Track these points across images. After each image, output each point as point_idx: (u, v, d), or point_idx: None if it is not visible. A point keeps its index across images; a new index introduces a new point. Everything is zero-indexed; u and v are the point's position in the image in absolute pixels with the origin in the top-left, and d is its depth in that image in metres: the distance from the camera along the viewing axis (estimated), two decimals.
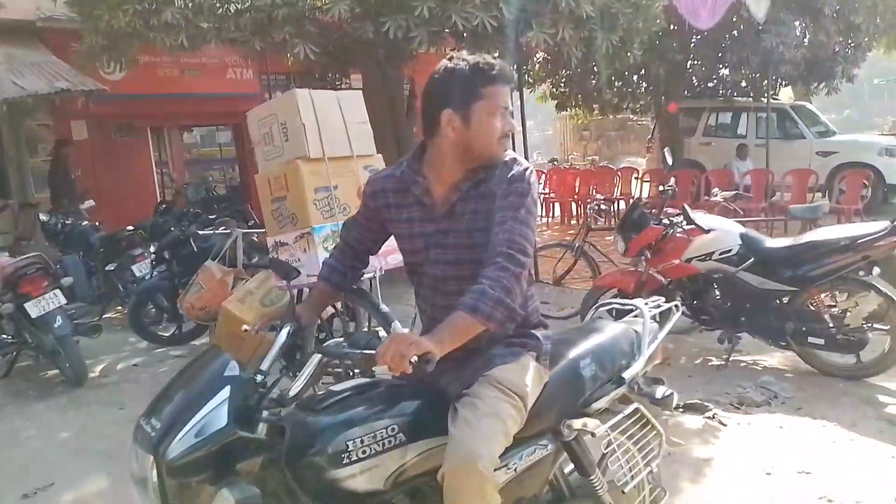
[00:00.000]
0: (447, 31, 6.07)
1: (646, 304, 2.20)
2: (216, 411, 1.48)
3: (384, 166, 3.32)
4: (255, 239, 4.86)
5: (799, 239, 4.23)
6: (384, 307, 3.14)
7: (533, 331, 1.81)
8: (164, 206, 9.38)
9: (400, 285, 6.41)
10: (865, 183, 9.30)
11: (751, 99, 12.58)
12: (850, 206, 8.44)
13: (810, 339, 4.11)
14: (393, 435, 1.57)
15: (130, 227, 6.35)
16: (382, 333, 1.75)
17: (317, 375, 1.63)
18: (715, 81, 12.71)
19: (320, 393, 1.73)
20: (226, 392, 1.51)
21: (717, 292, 4.44)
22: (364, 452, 1.53)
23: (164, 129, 11.05)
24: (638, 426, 1.94)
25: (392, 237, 1.92)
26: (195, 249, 4.90)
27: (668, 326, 2.19)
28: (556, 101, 14.04)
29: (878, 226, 3.94)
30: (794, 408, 3.66)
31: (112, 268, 6.10)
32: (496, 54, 6.61)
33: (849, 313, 4.01)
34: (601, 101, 13.55)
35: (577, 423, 1.77)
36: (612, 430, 1.83)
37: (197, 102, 10.05)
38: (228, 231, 4.26)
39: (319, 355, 1.62)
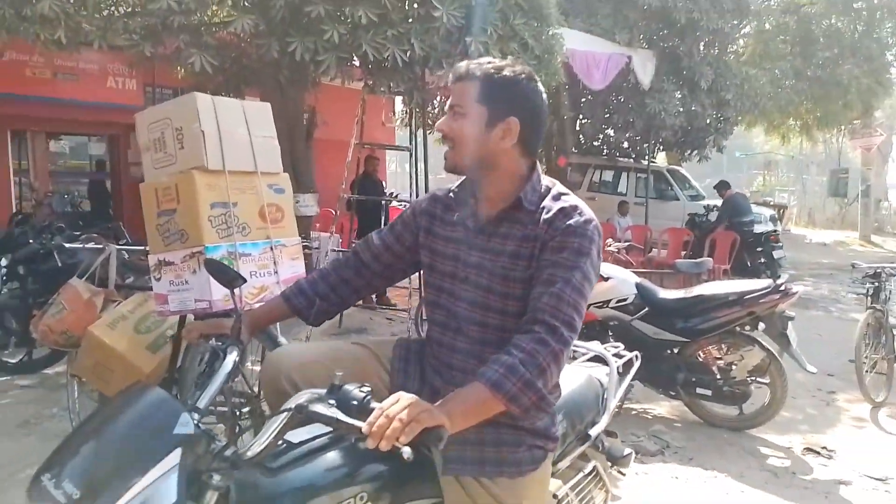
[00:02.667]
0: (356, 60, 5.93)
1: (606, 349, 2.10)
2: (162, 482, 1.10)
3: (290, 187, 3.06)
4: (129, 258, 4.36)
5: (690, 291, 4.39)
6: (282, 339, 2.85)
7: (549, 418, 1.50)
8: (20, 216, 8.42)
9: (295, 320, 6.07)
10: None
11: (632, 160, 13.44)
12: (720, 266, 9.04)
13: (699, 390, 4.23)
14: None
15: None
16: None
17: (281, 434, 1.25)
18: (601, 140, 13.43)
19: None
20: (176, 456, 1.12)
21: (612, 339, 4.49)
22: None
23: (28, 135, 9.98)
24: (592, 485, 1.80)
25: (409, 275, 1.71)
26: (59, 265, 4.32)
27: (629, 378, 2.11)
28: None
29: (762, 283, 4.16)
30: (685, 458, 3.70)
31: None
32: (401, 89, 6.61)
33: (734, 366, 4.17)
34: None
35: None
36: (570, 490, 1.68)
37: (69, 109, 9.18)
38: (101, 246, 3.77)
39: (289, 413, 1.23)
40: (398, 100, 11.24)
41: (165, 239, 2.78)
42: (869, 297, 5.07)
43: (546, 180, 1.52)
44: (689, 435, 4.04)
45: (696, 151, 12.54)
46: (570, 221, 1.40)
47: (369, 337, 6.27)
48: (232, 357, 1.45)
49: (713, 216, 10.54)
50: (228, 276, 1.65)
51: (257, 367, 2.90)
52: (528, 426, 1.43)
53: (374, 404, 1.17)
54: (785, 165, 29.10)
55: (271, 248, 2.94)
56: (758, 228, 9.99)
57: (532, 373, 1.27)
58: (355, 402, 1.17)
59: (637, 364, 2.21)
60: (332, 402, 1.20)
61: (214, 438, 1.20)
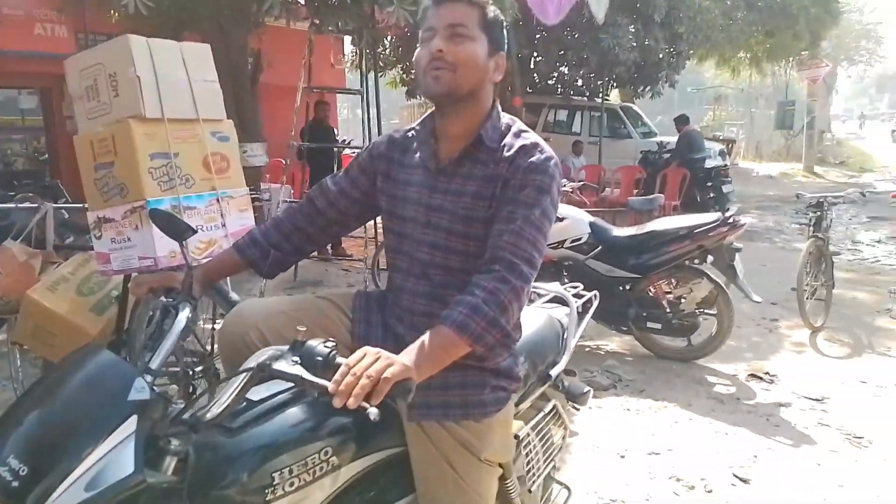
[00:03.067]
0: None
1: (566, 290, 2.11)
2: (118, 451, 1.04)
3: (235, 134, 2.95)
4: (69, 217, 4.18)
5: (642, 228, 4.47)
6: (234, 295, 2.80)
7: (512, 358, 1.51)
8: None
9: (244, 273, 5.97)
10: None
11: (586, 98, 13.41)
12: (670, 202, 9.22)
13: (649, 325, 4.37)
14: (326, 460, 1.27)
15: None
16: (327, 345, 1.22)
17: (241, 395, 1.19)
18: (555, 79, 13.32)
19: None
20: (132, 424, 1.06)
21: (567, 279, 4.56)
22: (292, 485, 1.21)
23: None
24: (552, 423, 1.85)
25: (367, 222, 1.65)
26: None
27: (587, 318, 2.14)
28: (406, 88, 13.93)
29: (711, 217, 4.26)
30: (637, 390, 3.84)
31: None
32: (350, 28, 6.38)
33: (683, 299, 4.30)
34: None
35: None
36: (531, 430, 1.72)
37: None
38: (35, 206, 3.59)
39: (250, 372, 1.18)
40: (347, 40, 10.90)
41: (104, 194, 2.66)
42: (811, 227, 5.26)
43: (506, 118, 1.50)
44: (639, 368, 4.19)
45: (649, 87, 12.55)
46: (532, 159, 1.39)
47: (331, 289, 6.24)
48: (184, 314, 1.39)
49: (666, 153, 10.66)
50: (177, 229, 1.57)
51: (209, 326, 2.86)
52: (491, 367, 1.43)
53: (339, 360, 1.13)
54: (734, 99, 29.44)
55: (218, 200, 2.85)
56: (708, 164, 10.16)
57: (495, 311, 1.27)
58: (320, 359, 1.13)
59: (595, 303, 2.24)
60: (295, 359, 1.15)
61: (171, 402, 1.16)
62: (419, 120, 1.56)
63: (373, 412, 1.06)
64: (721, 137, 18.65)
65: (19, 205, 4.10)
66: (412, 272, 1.48)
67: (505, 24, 1.48)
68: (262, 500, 1.18)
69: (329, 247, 6.91)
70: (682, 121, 10.31)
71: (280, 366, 1.14)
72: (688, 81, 25.08)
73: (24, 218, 3.61)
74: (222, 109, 2.91)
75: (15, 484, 1.00)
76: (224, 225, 2.85)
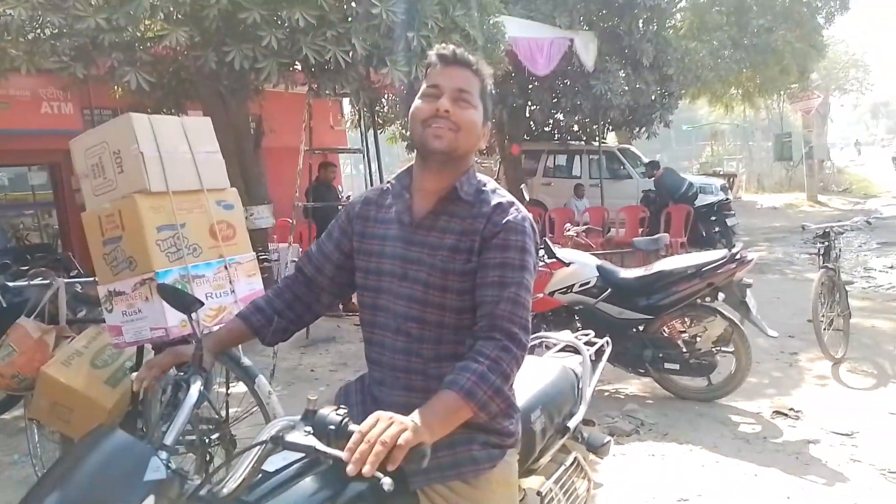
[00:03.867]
0: (297, 64, 5.83)
1: (577, 338, 2.09)
2: None
3: (239, 201, 2.98)
4: (81, 290, 4.21)
5: (650, 269, 4.44)
6: (245, 360, 2.79)
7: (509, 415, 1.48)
8: None
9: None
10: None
11: (583, 142, 13.59)
12: (676, 239, 9.21)
13: (666, 365, 4.30)
14: None
15: None
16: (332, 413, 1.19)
17: (256, 468, 1.19)
18: (551, 125, 13.52)
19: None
20: None
21: (579, 324, 4.52)
22: None
23: None
24: (575, 476, 1.80)
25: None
26: (4, 305, 4.14)
27: (601, 365, 2.11)
28: (406, 143, 14.15)
29: (718, 254, 4.25)
30: (660, 434, 3.75)
31: None
32: (347, 90, 6.52)
33: (699, 338, 4.24)
34: None
35: (528, 483, 1.61)
36: (554, 484, 1.67)
37: (5, 139, 8.83)
38: (48, 281, 3.62)
39: (264, 445, 1.18)
40: (346, 101, 11.13)
41: (114, 268, 2.69)
42: (821, 257, 5.22)
43: (480, 176, 1.54)
44: (661, 411, 4.10)
45: (643, 129, 12.71)
46: (510, 218, 1.43)
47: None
48: (196, 387, 1.40)
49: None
50: (184, 301, 1.59)
51: (223, 391, 2.83)
52: (477, 424, 1.40)
53: (352, 427, 1.12)
54: (731, 134, 29.79)
55: (226, 267, 2.87)
56: (710, 199, 10.18)
57: (499, 380, 1.30)
58: (332, 427, 1.12)
59: (608, 349, 2.22)
60: (307, 428, 1.15)
61: (187, 478, 1.15)
62: (394, 175, 1.59)
63: (386, 482, 1.05)
64: (721, 172, 18.77)
65: (31, 282, 4.13)
66: (389, 327, 1.47)
67: (493, 94, 1.55)
68: None
69: (340, 303, 6.91)
70: (652, 167, 10.43)
71: (293, 437, 1.14)
72: (683, 119, 25.44)
73: (37, 294, 3.64)
74: (226, 178, 2.96)
75: None
76: (233, 291, 2.87)
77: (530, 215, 1.49)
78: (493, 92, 1.56)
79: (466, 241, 1.43)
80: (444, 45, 1.51)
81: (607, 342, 2.22)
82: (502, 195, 1.49)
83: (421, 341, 1.43)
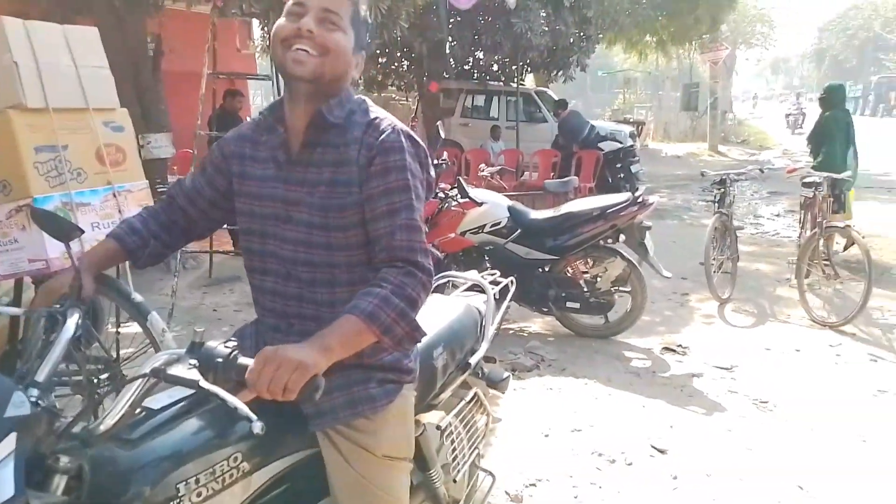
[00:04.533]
0: None
1: (483, 277, 2.09)
2: None
3: (130, 124, 2.77)
4: None
5: (558, 210, 4.55)
6: (137, 296, 2.64)
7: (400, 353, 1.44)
8: None
9: (151, 271, 5.71)
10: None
11: (502, 83, 13.53)
12: (585, 184, 9.45)
13: (568, 304, 4.46)
14: (235, 466, 1.20)
15: None
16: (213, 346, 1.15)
17: (138, 402, 1.13)
18: (471, 64, 13.35)
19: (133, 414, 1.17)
20: (10, 442, 0.98)
21: (489, 264, 4.58)
22: (199, 495, 1.14)
23: None
24: (474, 411, 1.83)
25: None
26: None
27: (505, 304, 2.13)
28: None
29: (622, 197, 4.39)
30: (559, 369, 3.92)
31: None
32: (256, 10, 6.13)
33: (599, 278, 4.42)
34: (367, 77, 13.46)
35: (428, 418, 1.60)
36: (454, 418, 1.69)
37: None
38: None
39: (146, 379, 1.11)
40: (255, 23, 10.52)
41: None
42: (716, 203, 5.51)
43: (358, 99, 1.43)
44: (561, 348, 4.28)
45: (561, 71, 12.79)
46: (384, 137, 1.33)
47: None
48: (73, 320, 1.29)
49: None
50: (61, 228, 1.46)
51: (113, 329, 2.69)
52: (375, 363, 1.39)
53: (242, 359, 1.09)
54: (643, 83, 30.55)
55: (115, 195, 2.68)
56: (617, 146, 10.43)
57: (404, 303, 1.25)
58: (220, 360, 1.09)
59: (513, 289, 2.25)
60: (192, 361, 1.10)
61: (57, 416, 1.07)
62: (266, 106, 1.46)
63: (256, 426, 1.03)
64: (631, 120, 19.28)
65: None
66: (279, 273, 1.40)
67: (369, 24, 1.44)
68: None
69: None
70: (560, 105, 10.53)
71: (176, 371, 1.08)
72: (598, 65, 25.81)
73: None
74: (115, 97, 2.74)
75: None
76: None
77: (406, 128, 1.38)
78: (370, 21, 1.44)
79: (343, 173, 1.34)
80: None
81: (512, 282, 2.25)
82: (375, 112, 1.38)
83: (313, 285, 1.37)
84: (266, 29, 7.82)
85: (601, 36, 13.06)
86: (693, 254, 5.88)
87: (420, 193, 1.35)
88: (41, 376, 1.17)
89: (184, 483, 1.12)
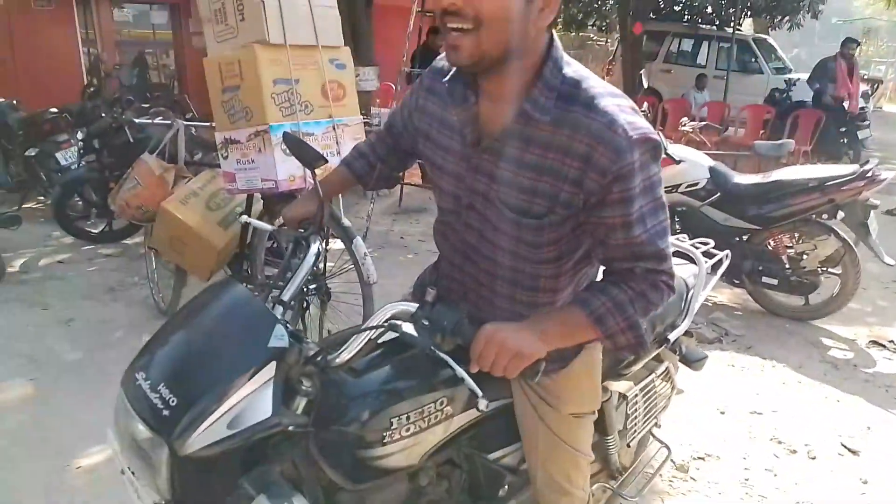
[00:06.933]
0: None
1: (696, 248, 1.98)
2: (258, 394, 1.08)
3: (351, 62, 2.97)
4: (196, 133, 4.44)
5: (767, 177, 4.16)
6: (346, 221, 2.90)
7: None
8: (92, 89, 8.62)
9: (350, 195, 6.17)
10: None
11: (715, 27, 12.39)
12: (800, 147, 8.51)
13: (764, 279, 4.13)
14: (440, 409, 1.30)
15: (54, 109, 5.71)
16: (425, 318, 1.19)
17: (369, 346, 1.22)
18: (682, 4, 12.37)
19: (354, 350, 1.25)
20: (270, 370, 1.10)
21: (678, 226, 4.37)
22: (408, 430, 1.26)
23: (93, 2, 9.97)
24: (660, 384, 1.82)
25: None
26: (130, 140, 4.43)
27: (715, 279, 2.03)
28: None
29: (847, 169, 3.91)
30: (744, 346, 3.69)
31: (33, 153, 5.53)
32: None
33: (805, 256, 4.02)
34: (565, 15, 13.03)
35: (615, 387, 1.62)
36: (640, 390, 1.71)
37: None
38: (169, 122, 3.82)
39: (379, 329, 1.19)
40: None
41: (231, 117, 2.79)
42: None
43: (570, 70, 1.12)
44: (749, 323, 4.01)
45: (787, 18, 11.40)
46: (626, 161, 1.05)
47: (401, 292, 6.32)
48: (315, 246, 1.43)
49: (795, 92, 9.73)
50: (309, 156, 1.53)
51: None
52: None
53: (468, 327, 1.13)
54: (887, 33, 26.34)
55: (334, 128, 2.93)
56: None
57: (639, 314, 1.17)
58: (447, 324, 1.13)
59: (726, 263, 2.10)
60: (424, 322, 1.15)
61: (305, 346, 1.18)
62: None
63: (482, 403, 1.09)
64: (866, 77, 16.83)
65: (155, 120, 4.38)
66: (463, 253, 1.33)
67: None
68: (379, 441, 1.23)
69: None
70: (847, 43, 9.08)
71: (409, 328, 1.16)
72: (833, 11, 22.60)
73: (159, 133, 3.87)
74: (340, 36, 2.94)
75: (166, 413, 1.07)
76: (339, 153, 2.93)
77: (641, 124, 1.09)
78: None
79: (547, 183, 1.13)
80: None
81: (727, 255, 2.11)
82: (604, 111, 1.07)
83: (494, 277, 1.30)
84: None
85: None
86: None
87: (661, 195, 1.15)
88: (287, 296, 1.32)
89: (397, 418, 1.24)
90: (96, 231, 4.97)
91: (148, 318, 3.66)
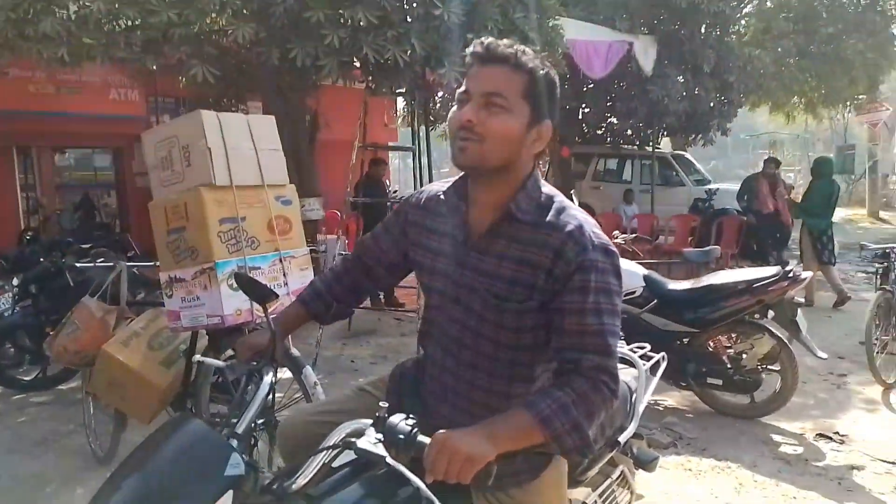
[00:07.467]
0: (357, 62, 5.95)
1: (633, 351, 2.05)
2: None
3: (297, 197, 3.09)
4: (139, 273, 4.41)
5: (699, 282, 4.39)
6: (295, 351, 2.90)
7: None
8: (30, 234, 8.52)
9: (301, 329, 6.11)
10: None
11: (636, 147, 13.38)
12: (727, 251, 9.01)
13: (709, 380, 4.25)
14: None
15: None
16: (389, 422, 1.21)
17: (325, 468, 1.22)
18: (604, 129, 13.36)
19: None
20: (228, 499, 1.10)
21: (622, 334, 4.49)
22: None
23: (34, 150, 10.08)
24: (619, 489, 1.82)
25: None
26: (70, 284, 4.37)
27: (655, 380, 2.09)
28: None
29: (770, 271, 4.17)
30: (698, 449, 3.73)
31: None
32: (402, 88, 6.61)
33: (744, 355, 4.18)
34: None
35: (574, 495, 1.62)
36: (598, 497, 1.71)
37: (74, 122, 9.26)
38: (111, 264, 3.81)
39: (335, 451, 1.21)
40: (400, 98, 11.25)
41: (176, 256, 2.82)
42: (878, 278, 5.07)
43: (546, 188, 1.39)
44: (701, 425, 4.07)
45: (700, 136, 12.43)
46: (588, 256, 1.28)
47: (367, 379, 6.31)
48: (269, 378, 1.45)
49: (716, 201, 10.45)
50: (260, 292, 1.59)
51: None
52: None
53: (421, 438, 1.16)
54: (790, 144, 28.85)
55: (280, 261, 2.99)
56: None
57: (583, 417, 1.24)
58: (402, 437, 1.15)
59: (664, 365, 2.18)
60: (378, 436, 1.17)
61: (259, 473, 1.18)
62: (451, 181, 1.47)
63: (491, 474, 1.14)
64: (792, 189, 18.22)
65: (97, 262, 4.35)
66: (445, 347, 1.44)
67: (556, 88, 1.37)
68: None
69: (382, 296, 7.02)
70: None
71: (364, 445, 1.17)
72: (741, 127, 24.77)
73: (101, 275, 3.83)
74: (285, 175, 3.08)
75: None
76: (286, 284, 2.98)
77: (603, 237, 1.33)
78: (555, 83, 1.36)
79: (527, 275, 1.31)
80: (482, 39, 1.33)
81: (663, 357, 2.20)
82: (572, 218, 1.32)
83: (475, 369, 1.39)
84: (410, 104, 8.36)
85: (743, 99, 12.58)
86: (852, 331, 5.42)
87: (618, 304, 1.31)
88: (241, 429, 1.32)
89: None
90: (28, 378, 4.74)
91: (83, 468, 3.45)
